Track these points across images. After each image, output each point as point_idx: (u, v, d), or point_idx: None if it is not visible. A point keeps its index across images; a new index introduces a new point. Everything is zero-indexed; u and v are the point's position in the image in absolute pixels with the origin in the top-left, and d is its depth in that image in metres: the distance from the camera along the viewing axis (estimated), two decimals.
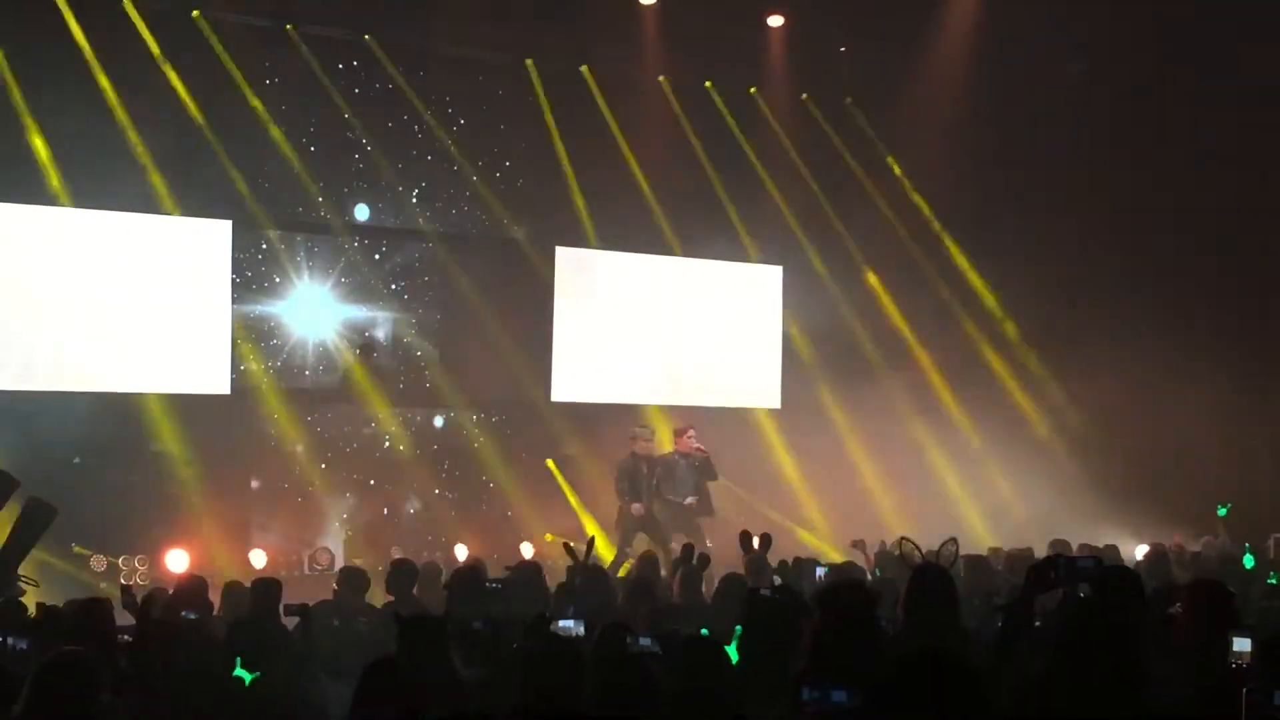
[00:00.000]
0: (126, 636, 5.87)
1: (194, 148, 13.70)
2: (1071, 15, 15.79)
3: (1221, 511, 13.39)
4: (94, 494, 13.02)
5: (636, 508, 14.39)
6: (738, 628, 5.59)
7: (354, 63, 15.74)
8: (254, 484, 15.12)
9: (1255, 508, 15.49)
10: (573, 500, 15.94)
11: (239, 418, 14.93)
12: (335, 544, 14.68)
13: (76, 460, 13.59)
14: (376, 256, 16.19)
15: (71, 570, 12.89)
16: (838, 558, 11.62)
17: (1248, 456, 16.97)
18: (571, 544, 9.37)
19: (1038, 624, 5.33)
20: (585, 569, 8.90)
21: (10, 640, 6.02)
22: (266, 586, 7.87)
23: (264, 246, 15.52)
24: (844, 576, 9.03)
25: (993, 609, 6.39)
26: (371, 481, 15.79)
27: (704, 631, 5.87)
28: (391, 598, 8.54)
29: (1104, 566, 5.19)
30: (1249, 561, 11.87)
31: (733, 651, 5.55)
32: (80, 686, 4.96)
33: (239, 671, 6.71)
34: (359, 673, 4.95)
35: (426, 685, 4.96)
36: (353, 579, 8.90)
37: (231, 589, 8.62)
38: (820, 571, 9.33)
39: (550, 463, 16.23)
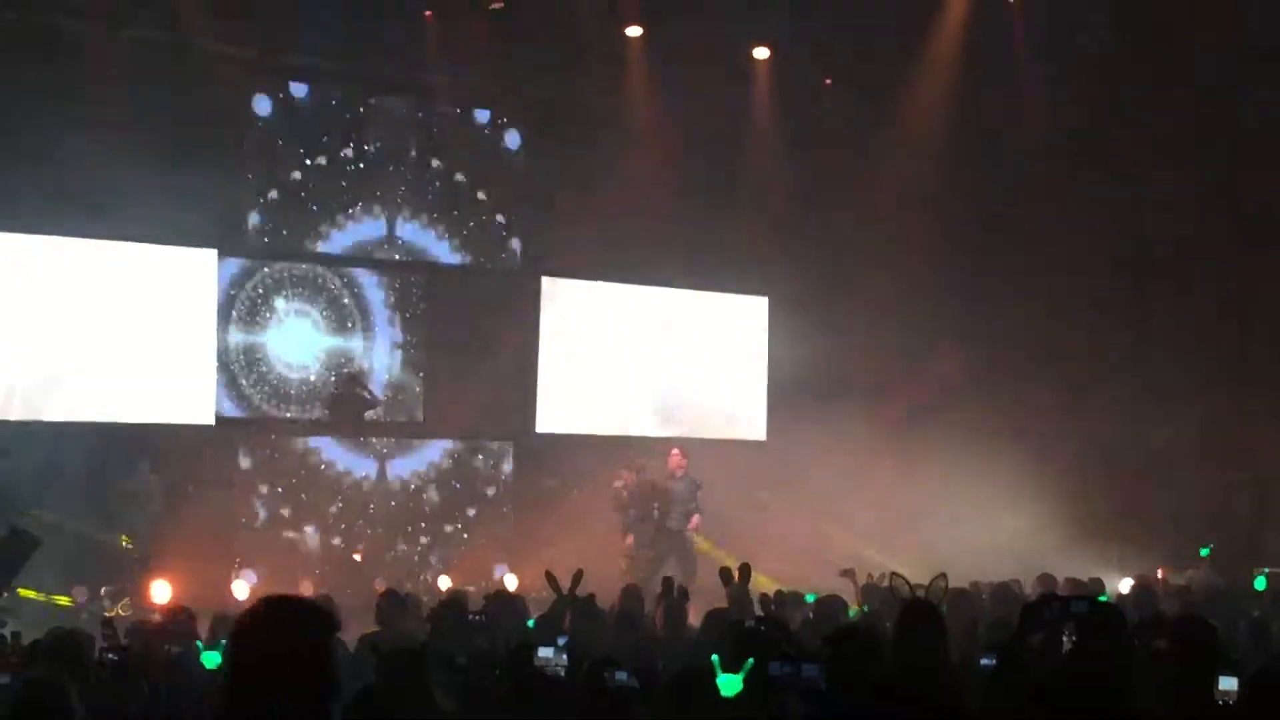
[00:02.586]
0: (109, 659, 5.83)
1: (179, 176, 13.67)
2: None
3: (1204, 552, 13.38)
4: (77, 524, 12.96)
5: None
6: (749, 661, 5.54)
7: (340, 92, 15.76)
8: (237, 514, 15.04)
9: (1239, 541, 15.55)
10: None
11: (222, 448, 14.88)
12: (318, 574, 14.60)
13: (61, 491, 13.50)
14: (362, 286, 16.18)
15: (52, 603, 12.81)
16: (823, 588, 11.58)
17: (1231, 490, 17.03)
18: (554, 575, 9.31)
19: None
20: (571, 601, 8.85)
21: None
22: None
23: (248, 276, 15.49)
24: (827, 609, 9.03)
25: (984, 647, 6.37)
26: (355, 511, 15.72)
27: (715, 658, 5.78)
28: (376, 629, 8.51)
29: (1096, 609, 5.20)
30: (1260, 584, 11.87)
31: (735, 683, 5.49)
32: (60, 710, 4.93)
33: (206, 655, 6.77)
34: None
35: (407, 717, 4.93)
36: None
37: (220, 620, 8.56)
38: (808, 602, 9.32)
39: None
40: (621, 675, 5.26)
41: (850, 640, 5.34)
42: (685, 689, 5.16)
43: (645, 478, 15.72)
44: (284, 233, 15.56)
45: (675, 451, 15.93)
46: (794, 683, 4.03)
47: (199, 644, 7.04)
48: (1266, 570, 12.78)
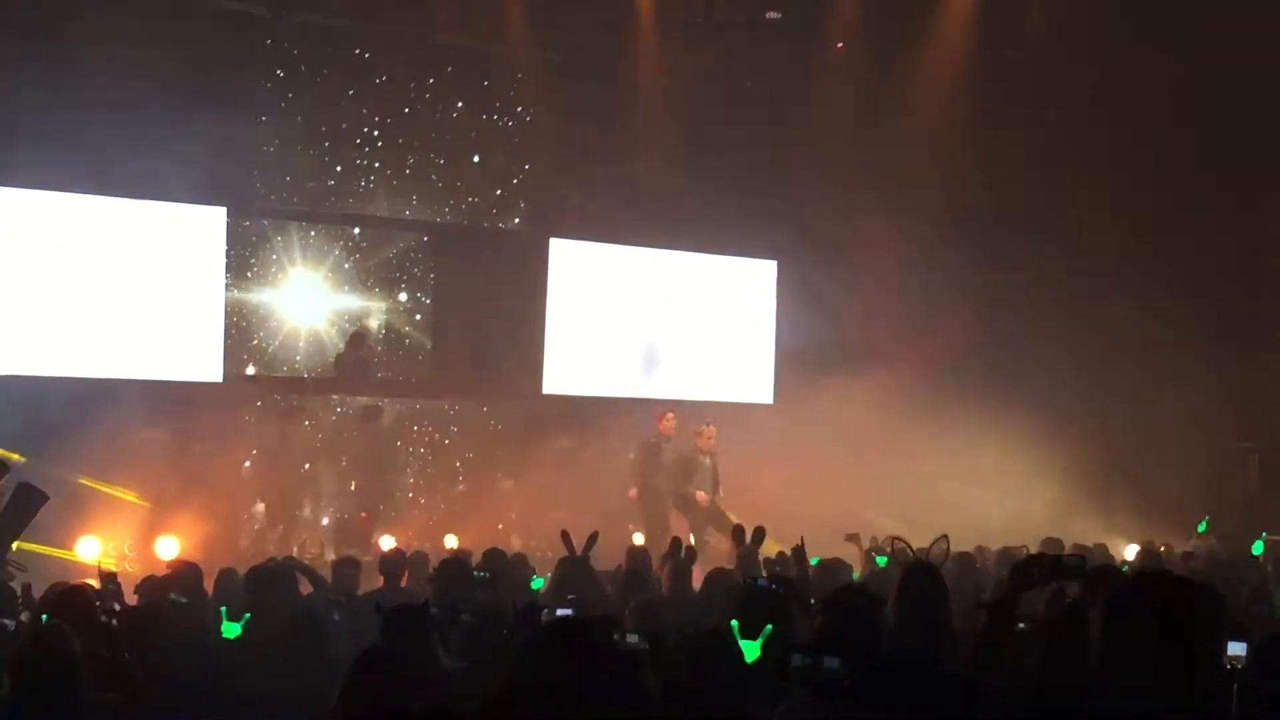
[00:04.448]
0: (108, 619, 5.82)
1: (189, 133, 13.63)
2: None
3: (1201, 527, 13.38)
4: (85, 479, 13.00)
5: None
6: (767, 626, 5.54)
7: (350, 51, 15.70)
8: (245, 472, 15.06)
9: (1245, 510, 15.54)
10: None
11: (230, 405, 14.89)
12: (324, 533, 14.64)
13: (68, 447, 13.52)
14: (370, 245, 16.17)
15: (59, 555, 12.83)
16: (827, 553, 11.59)
17: (1237, 459, 17.02)
18: (569, 535, 9.29)
19: (1022, 625, 5.30)
20: (576, 562, 8.84)
21: None
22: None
23: (258, 234, 15.48)
24: (830, 572, 9.04)
25: (978, 606, 6.36)
26: (362, 471, 15.72)
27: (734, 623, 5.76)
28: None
29: (1090, 565, 5.17)
30: (1258, 548, 11.85)
31: (754, 649, 5.49)
32: (63, 655, 4.95)
33: (226, 626, 6.68)
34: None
35: (409, 676, 4.93)
36: (342, 569, 8.89)
37: (225, 577, 8.57)
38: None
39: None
40: (633, 638, 5.25)
41: (849, 597, 5.34)
42: (701, 652, 5.15)
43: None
44: (293, 191, 15.54)
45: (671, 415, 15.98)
46: (814, 675, 3.99)
47: (223, 610, 6.97)
48: (1264, 534, 12.73)
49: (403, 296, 16.43)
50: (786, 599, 5.98)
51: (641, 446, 15.71)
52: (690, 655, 5.09)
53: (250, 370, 15.54)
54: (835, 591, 5.64)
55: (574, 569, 8.59)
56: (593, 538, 9.16)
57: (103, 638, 5.48)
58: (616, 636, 5.29)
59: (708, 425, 15.76)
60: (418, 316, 16.54)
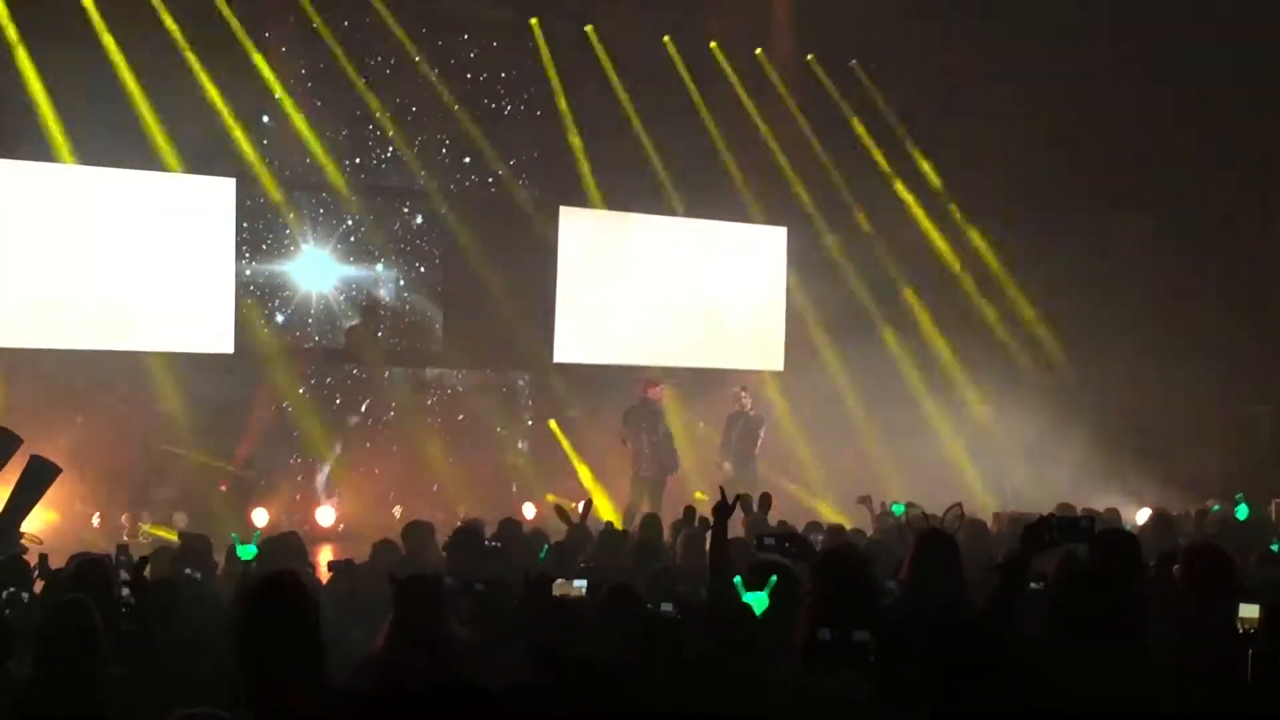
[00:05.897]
0: (126, 592, 5.84)
1: (198, 105, 13.62)
2: None
3: (1215, 508, 13.39)
4: (97, 452, 13.04)
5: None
6: (773, 577, 5.56)
7: (359, 21, 15.67)
8: (256, 443, 15.11)
9: (1256, 473, 15.51)
10: (575, 461, 15.95)
11: (242, 376, 14.94)
12: (336, 503, 14.69)
13: (79, 419, 13.58)
14: (380, 216, 16.16)
15: (74, 528, 12.91)
16: (838, 519, 11.62)
17: (1252, 421, 17.00)
18: (564, 505, 9.32)
19: (1035, 585, 5.31)
20: (582, 529, 8.87)
21: (10, 590, 6.06)
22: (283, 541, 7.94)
23: (268, 205, 15.48)
24: (837, 539, 9.04)
25: (989, 569, 6.37)
26: (373, 441, 15.78)
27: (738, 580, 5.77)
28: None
29: (1100, 528, 5.16)
30: (1242, 513, 11.79)
31: (762, 600, 5.51)
32: (85, 629, 4.97)
33: (240, 549, 6.74)
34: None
35: (422, 646, 4.94)
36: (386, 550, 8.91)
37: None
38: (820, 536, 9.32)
39: (553, 423, 16.21)
40: (667, 607, 5.26)
41: (838, 558, 5.35)
42: (724, 617, 5.16)
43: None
44: (302, 161, 15.52)
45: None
46: (843, 650, 4.00)
47: (234, 536, 7.05)
48: (1240, 495, 12.63)
49: (413, 267, 16.42)
50: (788, 549, 5.95)
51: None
52: (707, 619, 5.10)
53: (268, 330, 15.61)
54: (822, 554, 5.63)
55: (583, 537, 8.64)
56: (588, 504, 9.22)
57: (122, 610, 5.50)
58: (650, 606, 5.32)
59: (739, 390, 15.66)
60: (428, 287, 16.53)
